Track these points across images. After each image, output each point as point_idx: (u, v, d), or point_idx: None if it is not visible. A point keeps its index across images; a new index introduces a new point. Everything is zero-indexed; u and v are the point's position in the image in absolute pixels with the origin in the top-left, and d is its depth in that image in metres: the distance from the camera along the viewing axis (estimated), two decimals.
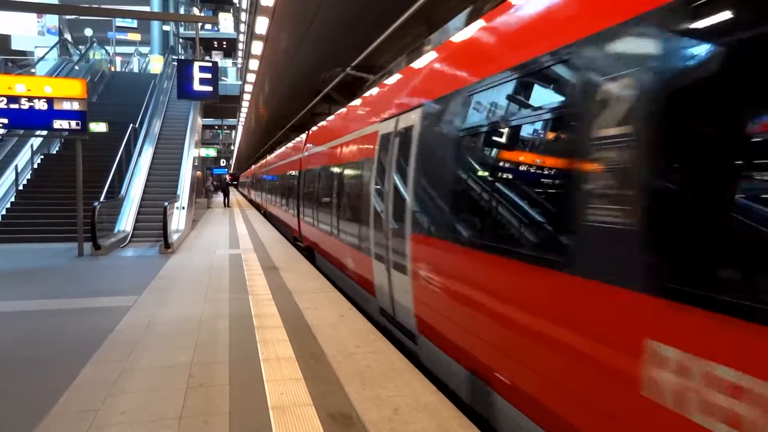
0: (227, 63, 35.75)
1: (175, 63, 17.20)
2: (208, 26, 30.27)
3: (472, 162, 3.63)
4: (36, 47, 31.70)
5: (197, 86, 9.99)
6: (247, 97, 22.84)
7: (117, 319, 5.56)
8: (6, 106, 9.92)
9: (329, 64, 14.12)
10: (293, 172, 13.69)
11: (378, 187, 5.69)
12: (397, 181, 5.04)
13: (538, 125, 2.95)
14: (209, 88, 10.06)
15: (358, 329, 5.17)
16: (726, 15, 1.83)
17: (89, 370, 4.09)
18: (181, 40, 37.42)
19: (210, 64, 10.25)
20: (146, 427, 3.13)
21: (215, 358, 4.37)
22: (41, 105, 10.15)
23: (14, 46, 34.55)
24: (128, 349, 4.60)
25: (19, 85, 10.13)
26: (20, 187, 14.47)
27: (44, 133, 12.61)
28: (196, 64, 10.01)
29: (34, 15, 31.56)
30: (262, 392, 3.64)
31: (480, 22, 4.00)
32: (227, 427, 3.12)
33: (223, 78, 30.47)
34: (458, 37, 4.39)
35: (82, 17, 42.76)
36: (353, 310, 5.94)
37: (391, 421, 3.16)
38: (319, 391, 3.64)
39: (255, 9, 11.63)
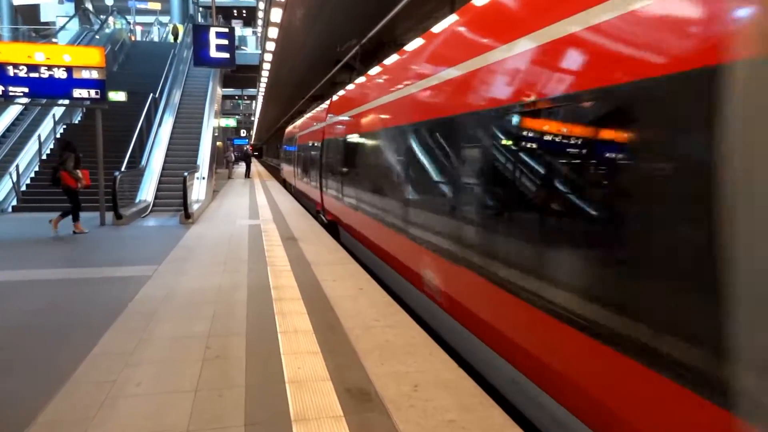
0: (247, 32, 35.30)
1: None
2: None
3: None
4: (57, 17, 31.72)
5: (214, 53, 9.80)
6: (266, 66, 22.53)
7: (136, 289, 5.55)
8: (26, 75, 9.91)
9: (348, 32, 13.74)
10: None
11: None
12: None
13: None
14: (226, 55, 9.86)
15: (378, 302, 5.07)
16: None
17: (107, 340, 4.07)
18: (201, 9, 37.04)
19: (226, 30, 10.03)
20: (162, 398, 3.08)
21: (232, 329, 4.32)
22: (60, 74, 10.13)
23: (43, 18, 34.59)
24: (146, 318, 4.58)
25: (38, 54, 10.10)
26: (44, 157, 14.63)
27: (66, 102, 12.64)
28: (212, 30, 9.80)
29: None
30: (279, 365, 3.57)
31: None
32: (243, 400, 3.06)
33: (242, 47, 30.10)
34: None
35: None
36: (373, 283, 5.84)
37: (410, 398, 3.06)
38: (336, 366, 3.56)
39: None
